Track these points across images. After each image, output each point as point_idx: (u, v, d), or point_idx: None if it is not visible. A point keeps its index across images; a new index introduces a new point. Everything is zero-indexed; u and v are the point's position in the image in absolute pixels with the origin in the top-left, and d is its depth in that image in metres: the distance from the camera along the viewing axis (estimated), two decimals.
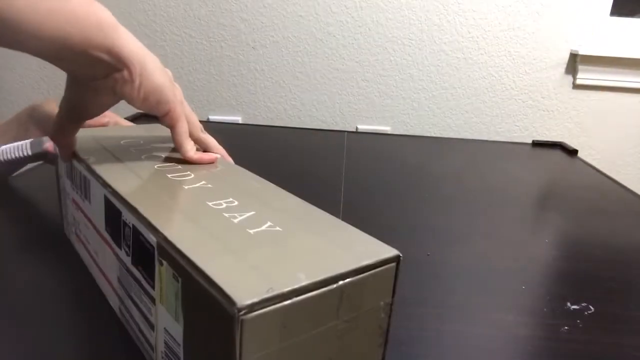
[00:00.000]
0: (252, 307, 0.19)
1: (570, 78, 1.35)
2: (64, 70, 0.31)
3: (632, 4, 1.36)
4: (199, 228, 0.26)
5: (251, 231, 0.26)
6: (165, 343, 0.26)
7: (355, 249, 0.25)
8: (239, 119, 1.39)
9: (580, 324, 0.40)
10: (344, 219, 0.28)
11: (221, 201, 0.30)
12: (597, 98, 1.37)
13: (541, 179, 0.82)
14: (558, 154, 0.99)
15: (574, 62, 1.33)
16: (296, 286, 0.21)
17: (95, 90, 0.33)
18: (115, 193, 0.31)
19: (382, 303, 0.25)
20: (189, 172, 0.35)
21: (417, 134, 1.35)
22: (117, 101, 0.34)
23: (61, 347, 0.32)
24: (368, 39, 1.33)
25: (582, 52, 1.30)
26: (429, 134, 1.35)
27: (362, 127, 1.39)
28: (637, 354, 0.37)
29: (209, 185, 0.33)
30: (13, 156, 0.56)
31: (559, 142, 1.06)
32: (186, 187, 0.32)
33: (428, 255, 0.50)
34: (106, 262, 0.34)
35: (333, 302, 0.22)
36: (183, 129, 0.37)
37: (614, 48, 1.32)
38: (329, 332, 0.23)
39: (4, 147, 0.56)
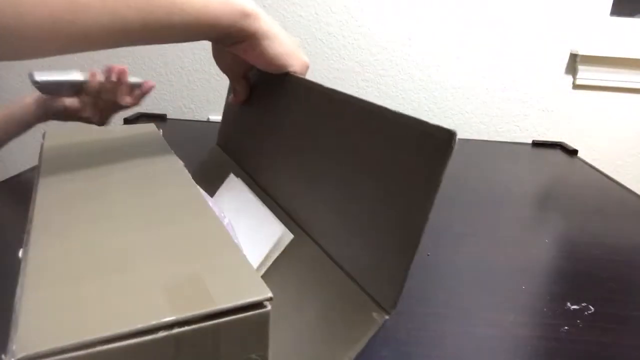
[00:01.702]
0: (37, 356, 0.17)
1: (570, 78, 1.35)
2: (206, 39, 0.41)
3: (632, 4, 1.36)
4: (60, 252, 0.24)
5: (105, 255, 0.24)
6: None
7: (214, 286, 0.21)
8: None
9: (580, 324, 0.40)
10: None
11: (119, 220, 0.27)
12: (597, 98, 1.37)
13: (541, 179, 0.82)
14: (558, 154, 0.99)
15: (574, 62, 1.33)
16: (108, 333, 0.18)
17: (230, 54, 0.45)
18: (34, 201, 0.30)
19: (253, 356, 0.21)
20: (127, 190, 0.32)
21: None
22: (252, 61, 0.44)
23: None
24: (368, 39, 1.33)
25: (582, 52, 1.29)
26: None
27: None
28: (637, 354, 0.37)
29: (127, 200, 0.30)
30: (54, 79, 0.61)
31: (559, 142, 1.06)
32: (99, 207, 0.29)
33: (428, 255, 0.50)
34: None
35: (166, 352, 0.19)
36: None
37: (614, 48, 1.32)
38: None
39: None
